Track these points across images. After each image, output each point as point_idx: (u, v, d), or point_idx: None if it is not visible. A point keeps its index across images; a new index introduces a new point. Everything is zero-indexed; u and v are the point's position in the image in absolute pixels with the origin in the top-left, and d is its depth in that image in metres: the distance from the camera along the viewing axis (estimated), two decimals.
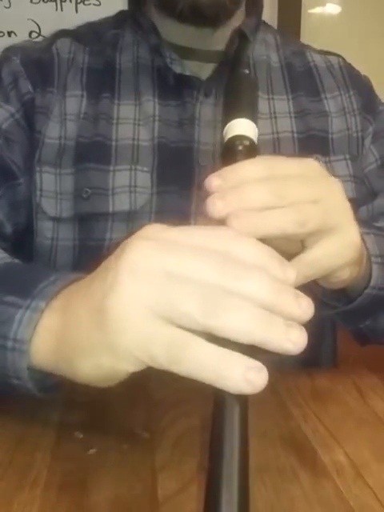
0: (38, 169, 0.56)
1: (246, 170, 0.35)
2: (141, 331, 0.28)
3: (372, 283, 0.46)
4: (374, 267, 0.46)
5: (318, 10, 1.39)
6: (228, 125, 0.40)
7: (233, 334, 0.27)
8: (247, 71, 0.51)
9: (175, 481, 0.34)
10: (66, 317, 0.33)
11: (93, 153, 0.56)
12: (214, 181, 0.33)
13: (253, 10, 0.62)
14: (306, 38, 1.27)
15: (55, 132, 0.56)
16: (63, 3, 1.29)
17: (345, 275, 0.40)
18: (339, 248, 0.37)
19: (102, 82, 0.59)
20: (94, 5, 1.29)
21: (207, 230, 0.30)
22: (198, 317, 0.27)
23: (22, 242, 0.58)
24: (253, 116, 0.40)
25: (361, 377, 0.49)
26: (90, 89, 0.58)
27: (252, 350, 0.27)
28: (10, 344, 0.34)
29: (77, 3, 1.30)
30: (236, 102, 0.42)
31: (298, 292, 0.29)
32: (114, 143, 0.56)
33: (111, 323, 0.28)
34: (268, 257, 0.30)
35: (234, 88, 0.45)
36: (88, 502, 0.33)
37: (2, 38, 1.27)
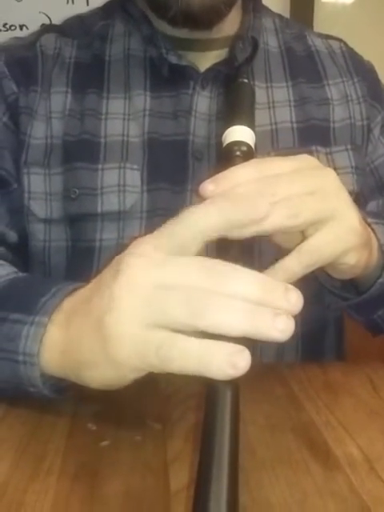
0: (25, 171, 0.55)
1: (238, 174, 0.36)
2: (136, 341, 0.30)
3: None
4: None
5: None
6: (227, 131, 0.42)
7: (220, 329, 0.28)
8: (246, 80, 0.50)
9: (187, 472, 0.34)
10: (68, 331, 0.35)
11: (80, 151, 0.54)
12: (208, 186, 0.35)
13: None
14: (319, 28, 1.26)
15: (41, 132, 0.55)
16: None
17: (351, 261, 0.40)
18: (338, 234, 0.37)
19: (90, 76, 0.57)
20: None
21: None
22: (186, 319, 0.29)
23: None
24: (251, 123, 0.42)
25: (374, 370, 0.49)
26: (76, 84, 0.56)
27: (243, 342, 0.28)
28: (20, 358, 0.36)
29: None
30: (234, 109, 0.45)
31: (288, 285, 0.30)
32: (102, 140, 0.55)
33: (110, 338, 0.31)
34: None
35: (233, 96, 0.48)
36: (100, 492, 0.33)
37: (14, 31, 1.28)
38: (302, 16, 1.29)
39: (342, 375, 0.48)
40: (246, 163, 0.37)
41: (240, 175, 0.35)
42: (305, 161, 0.38)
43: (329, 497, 0.33)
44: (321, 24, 1.30)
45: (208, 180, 0.35)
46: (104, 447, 0.37)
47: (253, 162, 0.37)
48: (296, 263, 0.37)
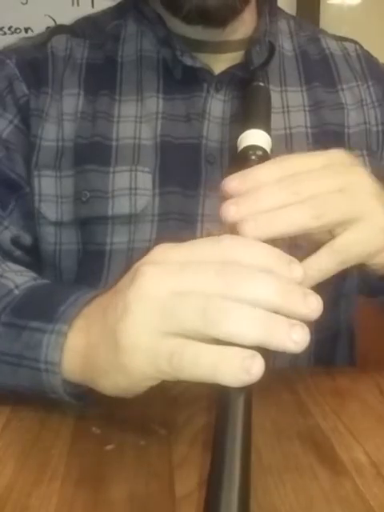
0: (36, 173, 0.55)
1: (260, 173, 0.35)
2: (148, 350, 0.30)
3: None
4: None
5: (337, 0, 1.37)
6: (242, 135, 0.41)
7: (234, 338, 0.28)
8: (262, 84, 0.49)
9: (192, 477, 0.34)
10: (87, 338, 0.35)
11: (92, 154, 0.54)
12: (231, 183, 0.34)
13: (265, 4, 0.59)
14: (325, 29, 1.25)
15: (52, 134, 0.55)
16: None
17: (382, 261, 0.39)
18: (368, 234, 0.37)
19: (102, 77, 0.56)
20: None
21: (211, 242, 0.31)
22: (200, 327, 0.28)
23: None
24: (267, 127, 0.41)
25: (382, 376, 0.48)
26: (88, 86, 0.56)
27: (257, 351, 0.28)
28: (42, 366, 0.37)
29: None
30: (251, 113, 0.44)
31: (307, 290, 0.29)
32: (114, 143, 0.54)
33: (122, 347, 0.31)
34: (273, 258, 0.30)
35: (249, 100, 0.47)
36: (105, 497, 0.33)
37: (19, 34, 1.28)
38: (308, 17, 1.29)
39: (349, 381, 0.48)
40: (267, 162, 0.36)
41: (261, 175, 0.35)
42: (334, 156, 0.37)
43: (335, 502, 0.32)
44: (327, 25, 1.30)
45: (231, 176, 0.34)
46: (108, 451, 0.37)
47: (275, 160, 0.36)
48: (329, 260, 0.36)
